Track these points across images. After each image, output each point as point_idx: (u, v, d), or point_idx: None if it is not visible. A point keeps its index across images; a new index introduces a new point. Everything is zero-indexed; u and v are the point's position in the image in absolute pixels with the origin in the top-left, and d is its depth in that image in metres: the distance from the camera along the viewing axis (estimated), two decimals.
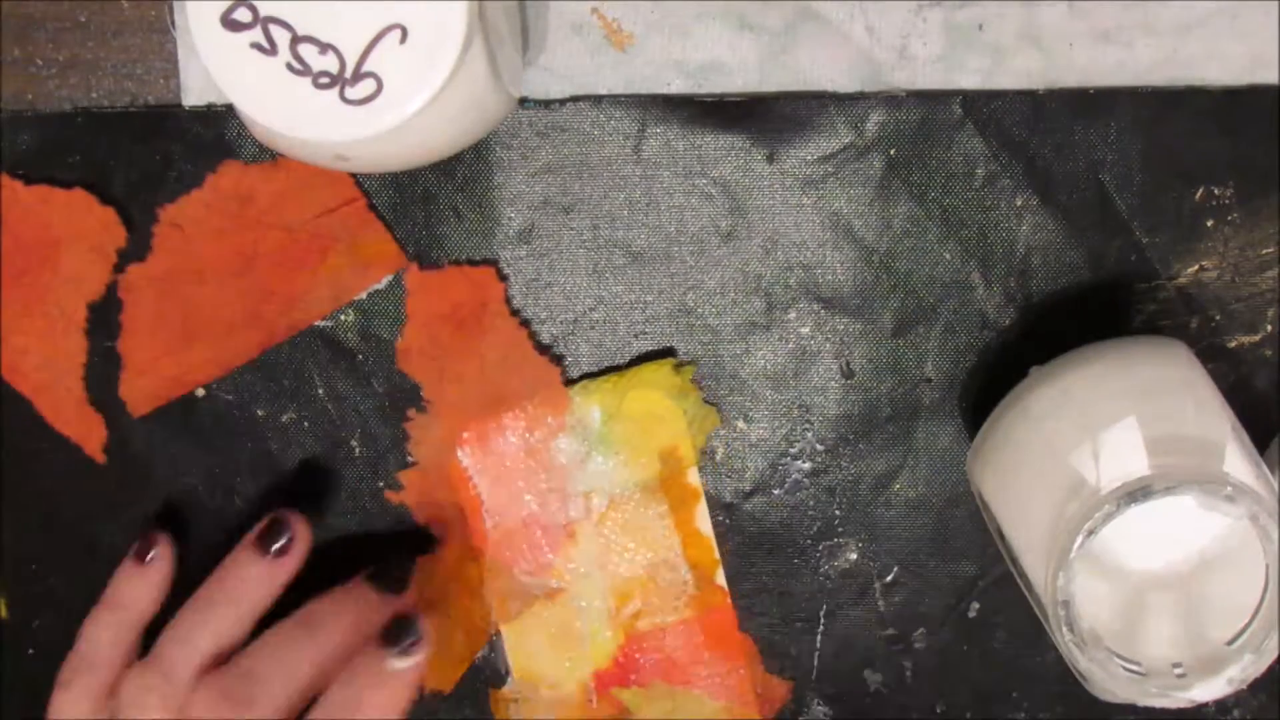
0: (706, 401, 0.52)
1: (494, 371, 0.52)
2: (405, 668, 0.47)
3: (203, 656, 0.47)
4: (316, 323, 0.52)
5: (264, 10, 0.39)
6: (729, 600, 0.53)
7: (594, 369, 0.52)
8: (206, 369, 0.52)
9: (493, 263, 0.51)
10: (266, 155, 0.51)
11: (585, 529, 0.52)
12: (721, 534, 0.53)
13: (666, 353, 0.52)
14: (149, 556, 0.50)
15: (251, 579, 0.49)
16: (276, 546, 0.49)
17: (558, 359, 0.52)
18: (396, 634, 0.47)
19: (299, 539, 0.49)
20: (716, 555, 0.53)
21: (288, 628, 0.48)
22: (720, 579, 0.53)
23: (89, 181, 0.51)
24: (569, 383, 0.52)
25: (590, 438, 0.52)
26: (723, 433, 0.52)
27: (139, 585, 0.50)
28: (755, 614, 0.53)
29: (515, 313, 0.52)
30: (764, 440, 0.53)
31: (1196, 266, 0.51)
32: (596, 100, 0.50)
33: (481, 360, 0.52)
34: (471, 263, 0.52)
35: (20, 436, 0.52)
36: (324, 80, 0.39)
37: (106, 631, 0.49)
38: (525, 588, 0.52)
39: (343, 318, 0.52)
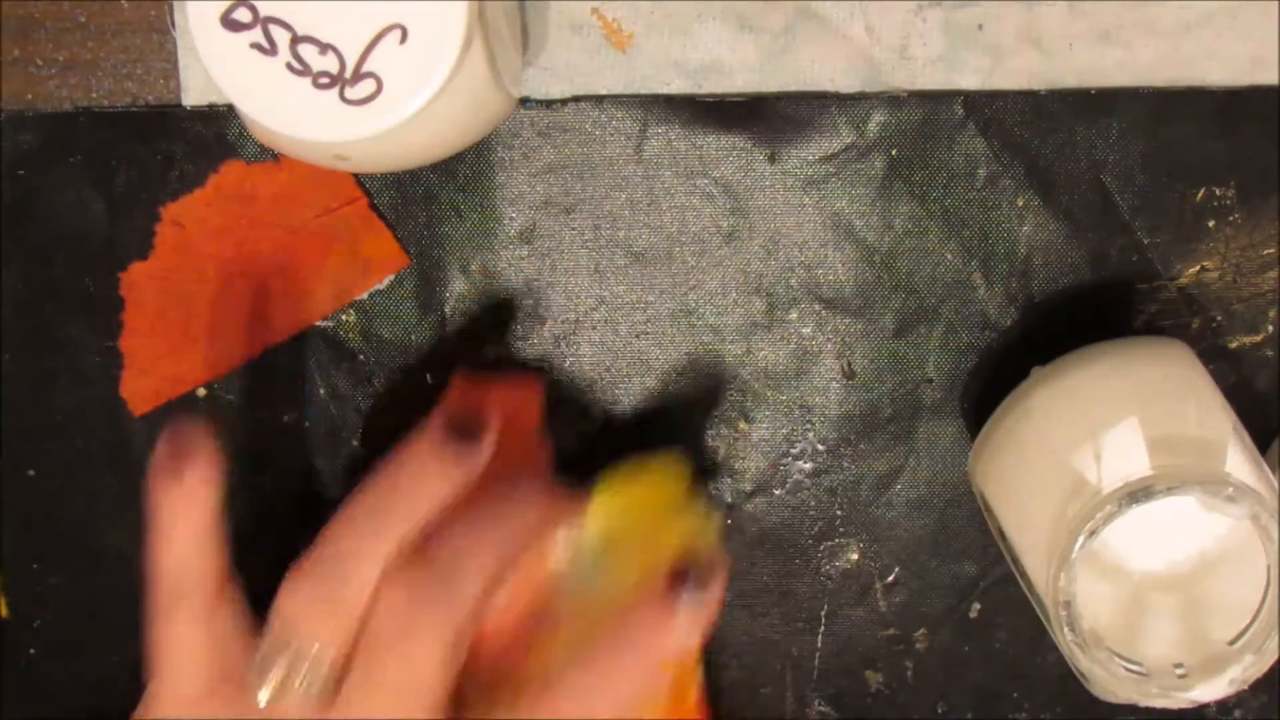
0: (704, 513, 0.51)
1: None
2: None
3: (383, 558, 0.41)
4: (318, 323, 0.52)
5: (264, 10, 0.39)
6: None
7: (595, 370, 0.52)
8: (208, 368, 0.52)
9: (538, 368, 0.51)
10: (268, 155, 0.51)
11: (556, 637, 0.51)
12: (723, 534, 0.53)
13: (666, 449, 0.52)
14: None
15: (433, 480, 0.42)
16: (468, 447, 0.42)
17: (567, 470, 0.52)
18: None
19: (487, 446, 0.43)
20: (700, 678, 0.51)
21: (458, 535, 0.41)
22: (697, 685, 0.50)
23: (89, 181, 0.51)
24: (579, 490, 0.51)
25: (585, 551, 0.50)
26: (724, 432, 0.52)
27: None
28: (756, 614, 0.53)
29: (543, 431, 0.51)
30: (765, 440, 0.53)
31: (1198, 267, 0.51)
32: (598, 100, 0.50)
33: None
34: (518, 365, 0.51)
35: (21, 436, 0.52)
36: (324, 80, 0.39)
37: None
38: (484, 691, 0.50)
39: (344, 318, 0.52)
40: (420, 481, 0.42)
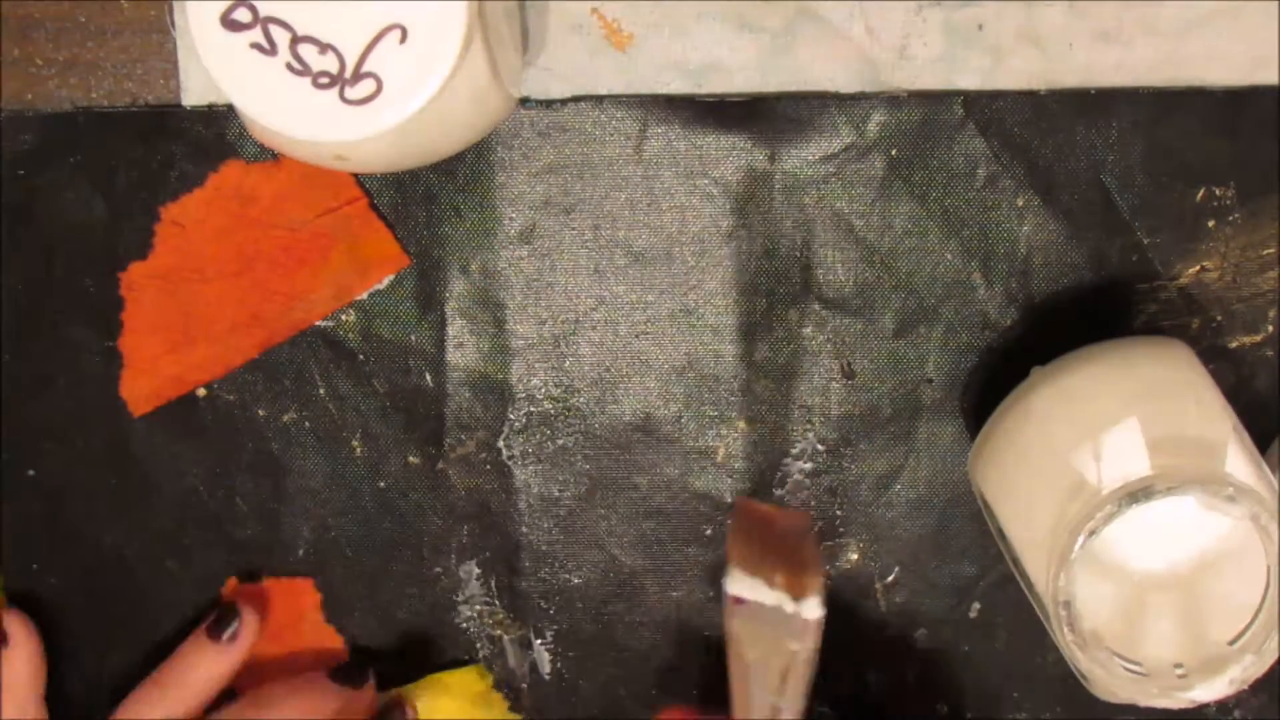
0: (512, 709, 0.54)
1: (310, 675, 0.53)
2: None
3: None
4: (318, 322, 0.52)
5: (264, 10, 0.39)
6: None
7: (595, 370, 0.52)
8: (207, 368, 0.52)
9: (310, 576, 0.53)
10: (268, 155, 0.51)
11: None
12: (723, 534, 0.53)
13: (470, 661, 0.54)
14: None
15: (203, 664, 0.51)
16: (227, 634, 0.51)
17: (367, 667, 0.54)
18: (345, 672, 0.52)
19: (247, 627, 0.51)
20: None
21: (240, 706, 0.50)
22: None
23: (89, 181, 0.51)
24: (380, 688, 0.53)
25: None
26: (724, 433, 0.52)
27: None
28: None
29: (330, 620, 0.54)
30: (765, 440, 0.52)
31: (1198, 267, 0.51)
32: (598, 100, 0.50)
33: (298, 668, 0.53)
34: (290, 576, 0.53)
35: (21, 436, 0.52)
36: (324, 80, 0.39)
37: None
38: None
39: (344, 318, 0.52)
40: (194, 661, 0.51)
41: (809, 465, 0.53)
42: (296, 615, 0.53)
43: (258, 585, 0.53)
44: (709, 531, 0.53)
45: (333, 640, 0.54)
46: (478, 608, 0.54)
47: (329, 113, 0.39)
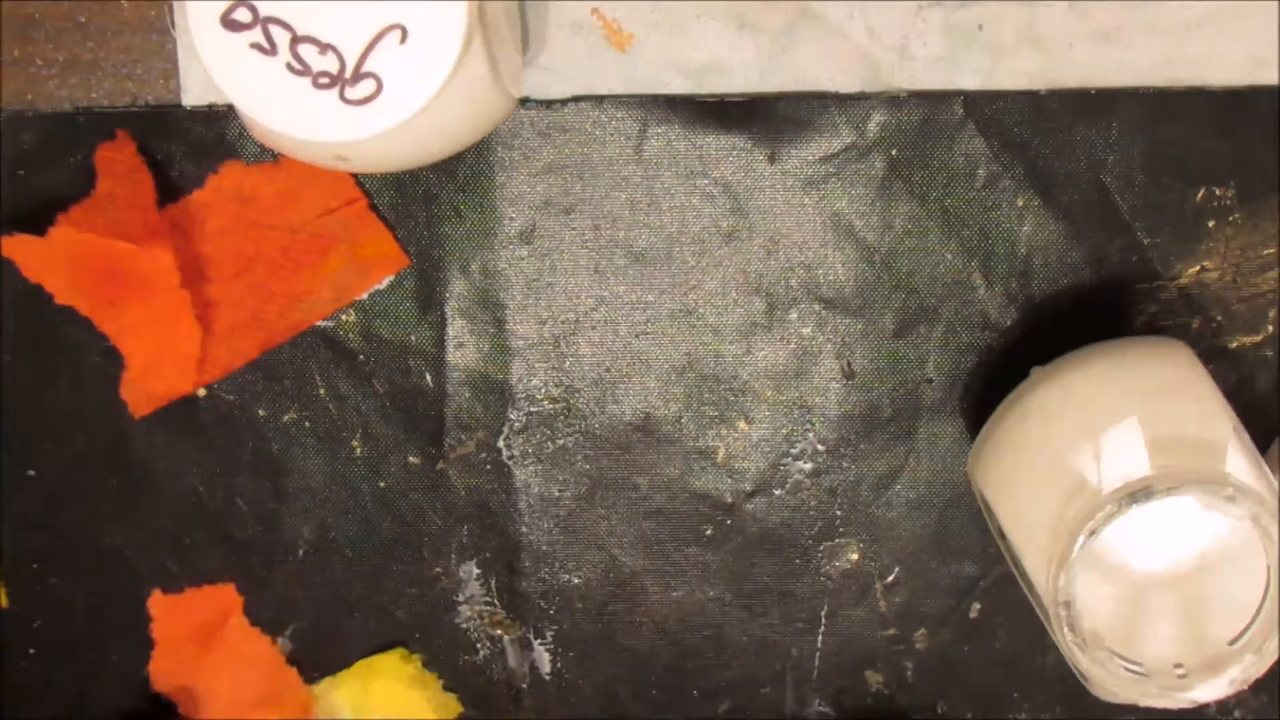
0: (446, 689, 0.54)
1: (242, 681, 0.54)
2: None
3: None
4: (318, 323, 0.52)
5: (264, 10, 0.39)
6: None
7: (595, 370, 0.52)
8: (207, 369, 0.52)
9: (231, 580, 0.53)
10: (268, 155, 0.51)
11: None
12: (723, 534, 0.53)
13: (397, 643, 0.54)
14: None
15: None
16: None
17: (296, 662, 0.54)
18: None
19: None
20: None
21: None
22: None
23: (89, 181, 0.51)
24: (309, 682, 0.54)
25: None
26: (724, 433, 0.52)
27: None
28: (756, 614, 0.53)
29: (256, 623, 0.53)
30: (765, 441, 0.53)
31: (1198, 267, 0.51)
32: (598, 100, 0.50)
33: (230, 672, 0.53)
34: (210, 583, 0.53)
35: (21, 436, 0.52)
36: (324, 80, 0.39)
37: None
38: None
39: (344, 318, 0.52)
40: None
41: (809, 465, 0.53)
42: (221, 620, 0.53)
43: (179, 595, 0.53)
44: (709, 531, 0.53)
45: (258, 641, 0.53)
46: (478, 608, 0.54)
47: (329, 113, 0.39)
